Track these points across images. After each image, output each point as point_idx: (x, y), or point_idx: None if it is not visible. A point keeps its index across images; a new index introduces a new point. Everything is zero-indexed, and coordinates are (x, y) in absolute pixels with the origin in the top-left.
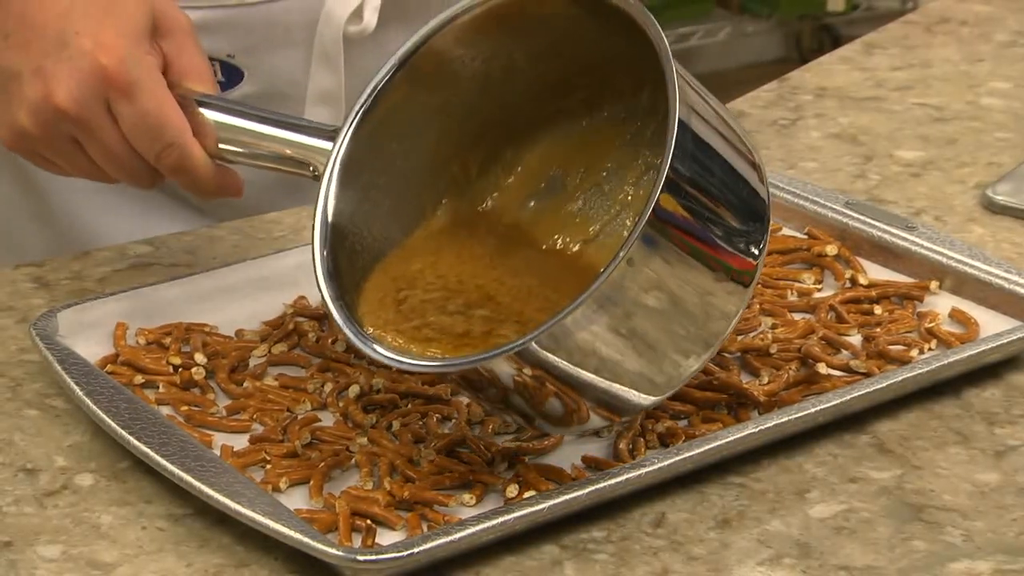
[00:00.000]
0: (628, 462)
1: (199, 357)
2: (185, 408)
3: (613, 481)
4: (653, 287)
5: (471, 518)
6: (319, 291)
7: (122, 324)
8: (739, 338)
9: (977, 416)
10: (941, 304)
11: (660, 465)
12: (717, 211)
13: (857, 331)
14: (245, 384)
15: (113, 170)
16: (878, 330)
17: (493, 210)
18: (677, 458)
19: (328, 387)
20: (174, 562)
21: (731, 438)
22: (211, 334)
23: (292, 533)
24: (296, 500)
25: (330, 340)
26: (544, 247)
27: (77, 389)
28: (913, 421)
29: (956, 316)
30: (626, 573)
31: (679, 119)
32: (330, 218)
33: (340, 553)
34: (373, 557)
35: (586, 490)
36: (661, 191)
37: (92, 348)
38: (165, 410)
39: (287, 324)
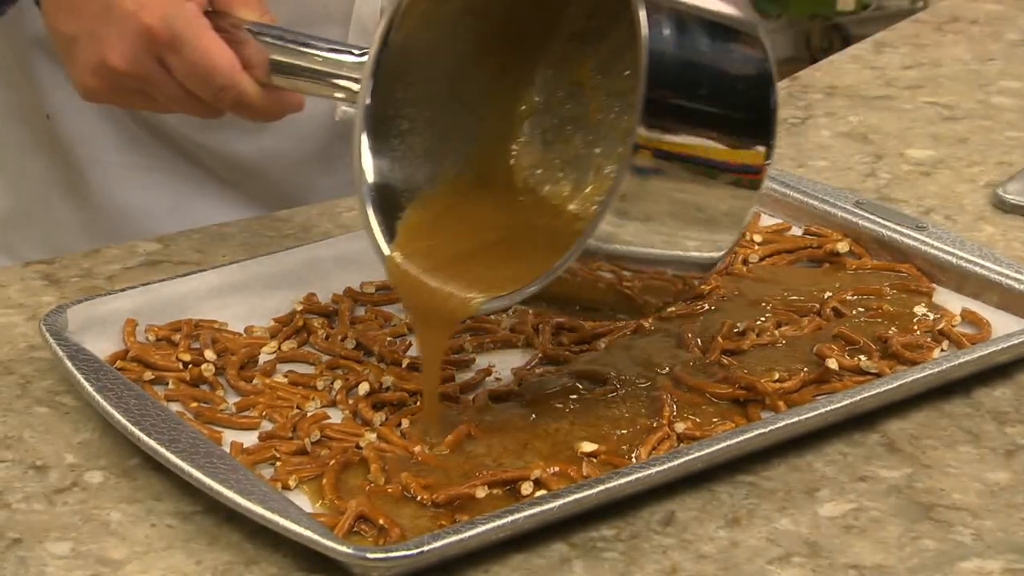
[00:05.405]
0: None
1: (209, 354)
2: (195, 405)
3: (623, 480)
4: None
5: (481, 516)
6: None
7: (131, 320)
8: (749, 337)
9: (987, 415)
10: (952, 304)
11: (670, 464)
12: (711, 122)
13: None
14: (255, 381)
15: (181, 110)
16: (892, 331)
17: (501, 152)
18: (687, 457)
19: (337, 384)
20: (183, 559)
21: (741, 438)
22: (220, 331)
23: (302, 530)
24: (305, 497)
25: (339, 337)
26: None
27: (87, 385)
28: (923, 420)
29: (967, 317)
30: (635, 571)
31: (648, 38)
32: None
33: (350, 551)
34: (383, 555)
35: (596, 489)
36: (639, 122)
37: (102, 344)
38: (174, 407)
39: (296, 321)
